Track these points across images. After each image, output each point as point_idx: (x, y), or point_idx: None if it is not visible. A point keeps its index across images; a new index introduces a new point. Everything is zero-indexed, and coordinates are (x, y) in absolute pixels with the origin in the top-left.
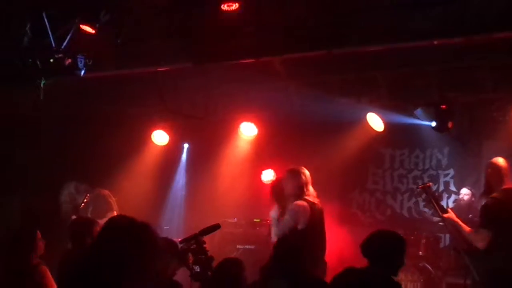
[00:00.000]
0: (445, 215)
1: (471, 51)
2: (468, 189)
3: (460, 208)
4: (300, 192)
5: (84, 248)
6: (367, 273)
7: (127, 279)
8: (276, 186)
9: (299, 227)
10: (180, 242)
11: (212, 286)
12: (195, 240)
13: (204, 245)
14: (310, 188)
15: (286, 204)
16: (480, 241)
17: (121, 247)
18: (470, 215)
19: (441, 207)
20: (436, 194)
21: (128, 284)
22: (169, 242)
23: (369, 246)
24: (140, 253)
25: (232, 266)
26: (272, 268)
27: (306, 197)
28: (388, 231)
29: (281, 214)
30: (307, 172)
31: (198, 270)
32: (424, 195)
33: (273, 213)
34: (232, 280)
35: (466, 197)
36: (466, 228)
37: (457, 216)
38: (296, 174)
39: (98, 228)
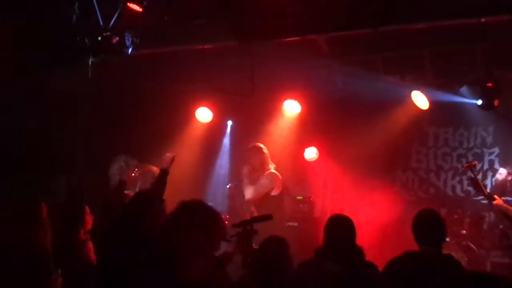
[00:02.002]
0: (493, 202)
1: None
2: (506, 168)
3: (496, 187)
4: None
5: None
6: (427, 253)
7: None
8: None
9: (274, 193)
10: (233, 226)
11: (257, 265)
12: (247, 226)
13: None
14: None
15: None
16: None
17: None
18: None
19: (488, 193)
20: (480, 173)
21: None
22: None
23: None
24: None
25: (276, 244)
26: (326, 250)
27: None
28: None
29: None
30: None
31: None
32: (469, 174)
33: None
34: (276, 258)
35: (501, 177)
36: None
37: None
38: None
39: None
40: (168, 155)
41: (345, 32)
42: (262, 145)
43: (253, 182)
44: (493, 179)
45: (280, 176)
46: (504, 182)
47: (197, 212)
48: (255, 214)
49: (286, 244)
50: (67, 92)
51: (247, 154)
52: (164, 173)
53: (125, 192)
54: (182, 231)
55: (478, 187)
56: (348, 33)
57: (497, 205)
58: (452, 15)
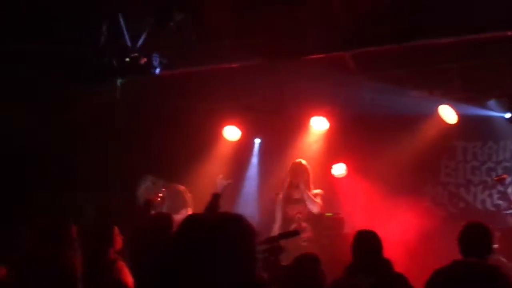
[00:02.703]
0: None
1: None
2: None
3: None
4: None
5: (161, 243)
6: (474, 264)
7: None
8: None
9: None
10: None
11: (289, 283)
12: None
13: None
14: None
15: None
16: None
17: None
18: None
19: None
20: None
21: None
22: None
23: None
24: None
25: (309, 262)
26: (356, 265)
27: None
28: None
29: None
30: None
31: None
32: (499, 187)
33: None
34: (309, 276)
35: None
36: None
37: None
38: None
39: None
40: (222, 180)
41: (371, 48)
42: (306, 163)
43: (292, 199)
44: None
45: None
46: None
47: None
48: (308, 231)
49: (318, 261)
50: (96, 111)
51: (290, 170)
52: (216, 197)
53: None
54: None
55: (509, 199)
56: (374, 49)
57: None
58: (478, 29)
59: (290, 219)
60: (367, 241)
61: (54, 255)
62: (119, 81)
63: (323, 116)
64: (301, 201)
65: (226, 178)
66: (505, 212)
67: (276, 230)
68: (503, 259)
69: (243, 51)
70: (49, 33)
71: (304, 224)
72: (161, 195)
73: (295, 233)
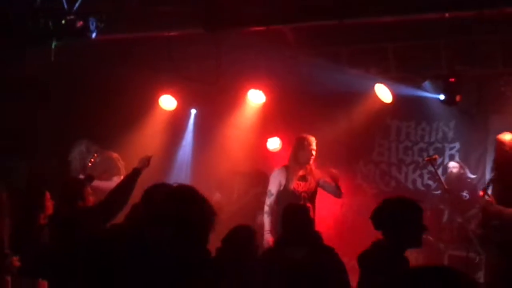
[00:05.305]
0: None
1: (482, 25)
2: (456, 162)
3: (450, 182)
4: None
5: (73, 209)
6: (376, 247)
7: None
8: None
9: None
10: None
11: (223, 252)
12: None
13: None
14: None
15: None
16: None
17: None
18: (465, 193)
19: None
20: (441, 167)
21: None
22: None
23: (378, 217)
24: None
25: (242, 232)
26: (285, 236)
27: None
28: (396, 198)
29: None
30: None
31: None
32: (429, 167)
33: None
34: (242, 246)
35: (454, 170)
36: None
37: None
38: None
39: (89, 190)
40: (145, 156)
41: (311, 23)
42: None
43: (297, 175)
44: (448, 173)
45: None
46: (459, 175)
47: None
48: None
49: (254, 232)
50: (28, 76)
51: (296, 144)
52: (136, 173)
53: (83, 175)
54: None
55: (439, 180)
56: (314, 24)
57: (488, 202)
58: (417, 9)
59: (298, 195)
60: (297, 214)
61: None
62: (54, 44)
63: (260, 89)
64: (306, 179)
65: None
66: (434, 192)
67: (273, 203)
68: (431, 238)
69: (183, 20)
70: None
71: (309, 204)
72: (92, 160)
73: None
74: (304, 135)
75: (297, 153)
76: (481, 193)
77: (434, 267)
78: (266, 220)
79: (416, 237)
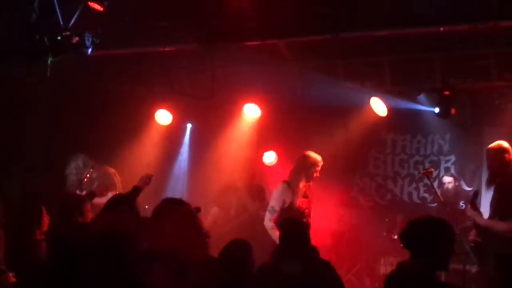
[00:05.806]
0: (468, 213)
1: (476, 38)
2: (450, 175)
3: (447, 195)
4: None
5: (71, 225)
6: (404, 268)
7: None
8: None
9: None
10: None
11: (219, 268)
12: None
13: None
14: None
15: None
16: None
17: None
18: (462, 204)
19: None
20: (437, 180)
21: None
22: None
23: (407, 235)
24: None
25: (239, 247)
26: (282, 250)
27: None
28: (426, 217)
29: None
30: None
31: None
32: (425, 180)
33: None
34: (238, 262)
35: (450, 185)
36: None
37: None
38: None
39: (89, 207)
40: (146, 174)
41: (306, 37)
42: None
43: (301, 192)
44: (443, 188)
45: None
46: (455, 188)
47: None
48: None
49: (250, 247)
50: (24, 91)
51: (302, 161)
52: (137, 191)
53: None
54: None
55: (435, 193)
56: (308, 38)
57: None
58: (412, 23)
59: (302, 212)
60: (294, 228)
61: None
62: (49, 60)
63: (256, 103)
64: (307, 196)
65: (151, 172)
66: (430, 205)
67: (276, 219)
68: None
69: (177, 35)
70: None
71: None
72: (88, 175)
73: None
74: (311, 154)
75: (301, 170)
76: (469, 206)
77: None
78: (275, 234)
79: (445, 260)
